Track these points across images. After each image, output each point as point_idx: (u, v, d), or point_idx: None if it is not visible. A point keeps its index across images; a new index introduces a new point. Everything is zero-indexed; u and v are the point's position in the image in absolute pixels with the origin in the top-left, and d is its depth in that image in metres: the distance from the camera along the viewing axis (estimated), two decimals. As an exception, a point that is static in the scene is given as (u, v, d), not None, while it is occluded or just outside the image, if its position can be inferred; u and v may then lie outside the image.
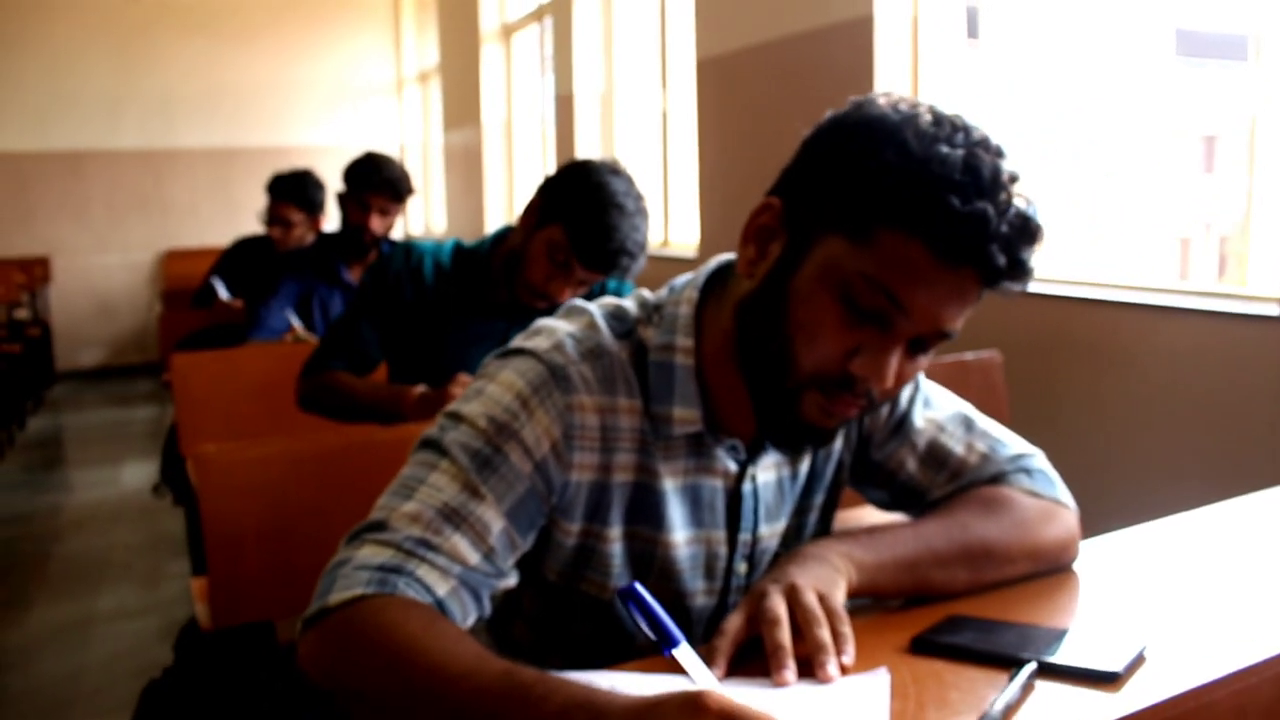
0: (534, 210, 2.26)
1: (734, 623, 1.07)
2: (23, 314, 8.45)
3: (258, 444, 1.92)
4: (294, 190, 4.43)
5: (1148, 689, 0.76)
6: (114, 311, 9.82)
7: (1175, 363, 2.87)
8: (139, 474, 6.10)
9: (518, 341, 1.21)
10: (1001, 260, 1.02)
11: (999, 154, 1.06)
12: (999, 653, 1.05)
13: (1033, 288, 3.32)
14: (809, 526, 1.36)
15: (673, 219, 5.69)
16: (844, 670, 1.02)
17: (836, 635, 1.04)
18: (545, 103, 7.43)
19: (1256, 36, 2.90)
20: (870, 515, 1.66)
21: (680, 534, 1.23)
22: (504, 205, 8.04)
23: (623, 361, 1.20)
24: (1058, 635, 1.09)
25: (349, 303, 2.51)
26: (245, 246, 4.81)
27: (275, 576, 1.80)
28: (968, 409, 1.39)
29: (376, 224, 3.65)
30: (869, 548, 1.19)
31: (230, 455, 1.80)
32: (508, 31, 7.87)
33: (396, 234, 3.81)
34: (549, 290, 2.21)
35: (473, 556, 1.07)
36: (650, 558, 1.23)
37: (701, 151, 4.99)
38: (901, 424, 1.35)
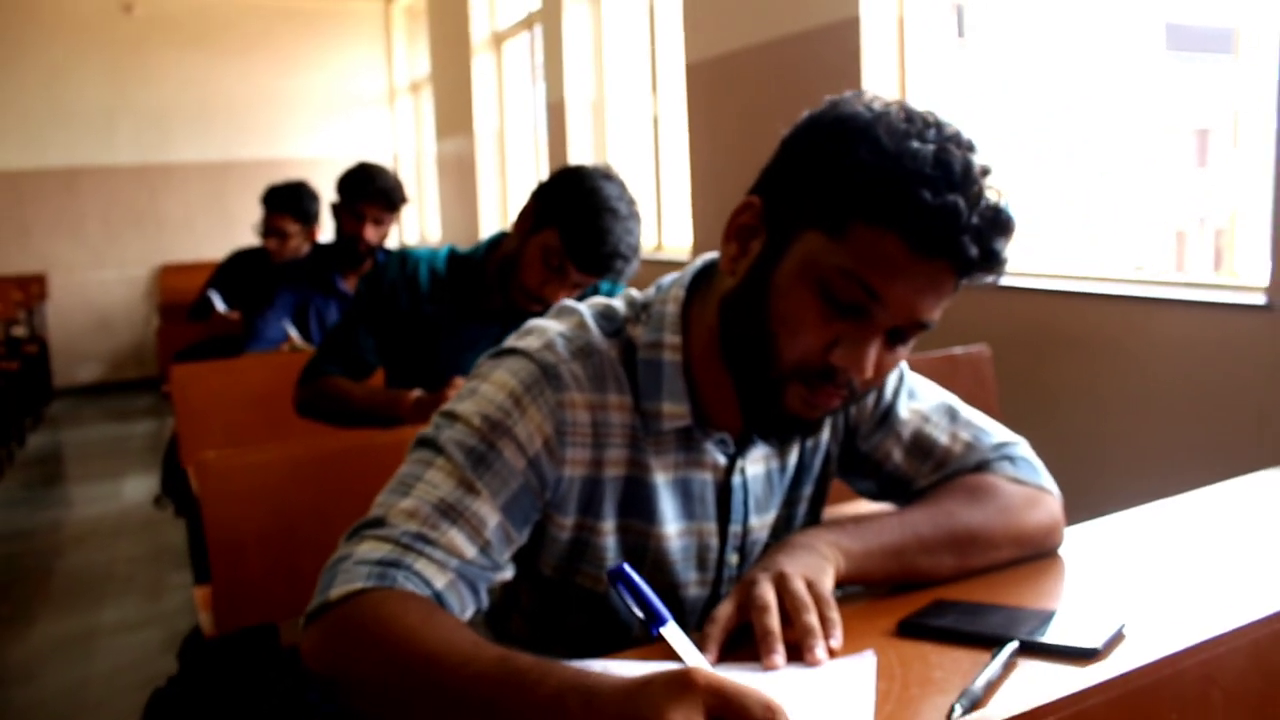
0: (528, 215, 2.29)
1: (725, 610, 1.10)
2: (20, 331, 8.46)
3: (258, 449, 1.95)
4: (289, 201, 4.45)
5: (1120, 659, 0.79)
6: (111, 327, 9.83)
7: (1163, 353, 2.90)
8: (139, 488, 6.11)
9: (510, 342, 1.24)
10: (974, 251, 1.06)
11: (970, 148, 1.09)
12: (983, 634, 1.08)
13: (1020, 282, 3.35)
14: (798, 517, 1.39)
15: (666, 223, 5.72)
16: (832, 654, 1.05)
17: (824, 620, 1.08)
18: (537, 110, 7.46)
19: (1239, 31, 2.94)
20: (860, 508, 1.69)
21: (672, 526, 1.26)
22: (497, 213, 8.07)
23: (612, 359, 1.23)
24: (1040, 616, 1.12)
25: (346, 310, 2.54)
26: (241, 259, 4.83)
27: (278, 579, 1.83)
28: (952, 399, 1.42)
29: (371, 233, 3.68)
30: (856, 536, 1.22)
31: (231, 461, 1.82)
32: (498, 40, 7.90)
33: (391, 243, 3.83)
34: (544, 294, 2.23)
35: (469, 550, 1.10)
36: (643, 550, 1.26)
37: (693, 155, 5.02)
38: (887, 415, 1.38)
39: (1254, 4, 2.89)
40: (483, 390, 1.18)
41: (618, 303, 1.30)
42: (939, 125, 1.10)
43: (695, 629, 1.10)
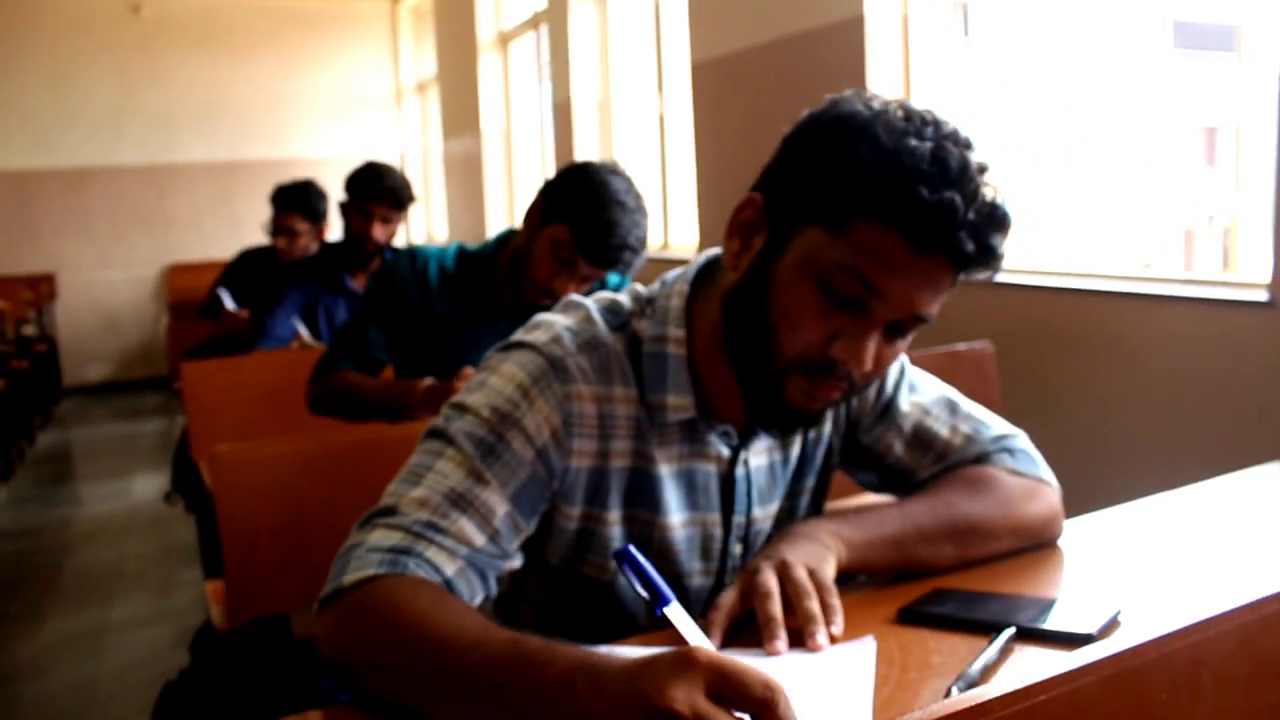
0: (537, 210, 2.32)
1: (728, 597, 1.13)
2: (30, 330, 8.49)
3: (270, 443, 1.98)
4: (298, 200, 4.48)
5: (1112, 641, 0.81)
6: (120, 326, 9.87)
7: (1165, 349, 2.92)
8: (149, 486, 6.15)
9: (518, 335, 1.27)
10: (970, 247, 1.08)
11: (967, 146, 1.12)
12: (981, 620, 1.11)
13: (1022, 279, 3.37)
14: (801, 509, 1.42)
15: (671, 221, 5.74)
16: (833, 640, 1.08)
17: (826, 607, 1.10)
18: (543, 109, 7.48)
19: (1241, 29, 2.95)
20: (865, 502, 1.71)
21: (676, 517, 1.29)
22: (504, 211, 8.09)
23: (618, 353, 1.26)
24: (1038, 604, 1.14)
25: (356, 308, 2.57)
26: (250, 258, 4.86)
27: (290, 571, 1.86)
28: (952, 393, 1.45)
29: (379, 232, 3.70)
30: (858, 526, 1.25)
31: (244, 454, 1.85)
32: (504, 40, 7.93)
33: (398, 242, 3.86)
34: (554, 287, 2.26)
35: (478, 538, 1.13)
36: (648, 540, 1.28)
37: (699, 154, 5.04)
38: (888, 409, 1.40)
39: (1257, 2, 2.91)
40: (492, 383, 1.21)
41: (623, 297, 1.32)
42: (937, 123, 1.12)
43: (700, 618, 1.12)
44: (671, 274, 1.32)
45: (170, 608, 4.29)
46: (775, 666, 1.03)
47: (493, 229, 7.87)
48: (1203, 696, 0.86)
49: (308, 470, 1.90)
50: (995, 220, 1.10)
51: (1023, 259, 3.53)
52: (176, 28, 9.68)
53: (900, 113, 1.12)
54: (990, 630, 1.06)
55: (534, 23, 7.36)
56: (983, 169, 1.11)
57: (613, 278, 2.43)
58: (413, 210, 3.86)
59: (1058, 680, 0.76)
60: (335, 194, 4.16)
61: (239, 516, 1.84)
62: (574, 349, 1.23)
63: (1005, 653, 1.03)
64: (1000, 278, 1.74)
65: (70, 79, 9.39)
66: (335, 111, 10.32)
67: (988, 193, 1.10)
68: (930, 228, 1.07)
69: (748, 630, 1.10)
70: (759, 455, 1.35)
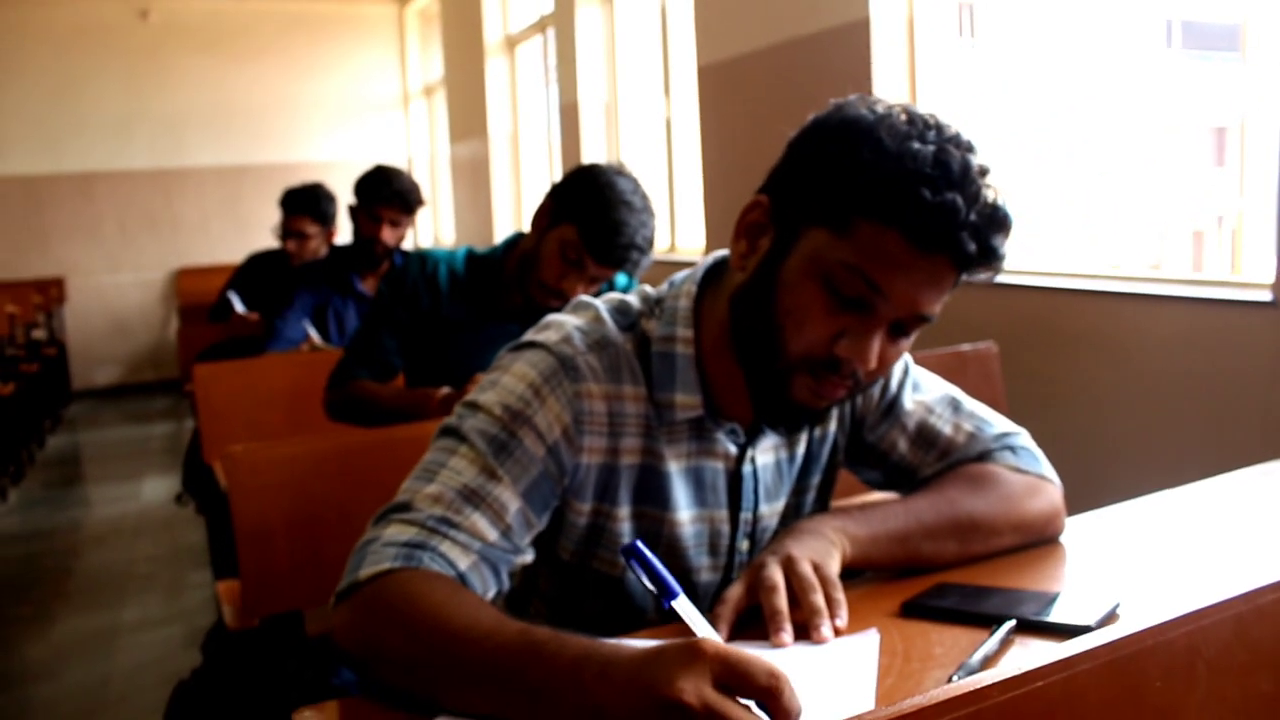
0: (545, 212, 2.34)
1: (735, 591, 1.15)
2: (39, 334, 8.53)
3: (283, 443, 2.01)
4: (308, 203, 4.52)
5: (1106, 630, 0.83)
6: (128, 330, 9.92)
7: (1171, 350, 2.93)
8: (158, 488, 6.18)
9: (529, 335, 1.29)
10: (972, 247, 1.11)
11: (969, 149, 1.14)
12: (982, 613, 1.13)
13: (1025, 279, 3.38)
14: (807, 506, 1.44)
15: (678, 223, 5.77)
16: (837, 633, 1.10)
17: (830, 601, 1.13)
18: (550, 113, 7.51)
19: (1245, 30, 2.96)
20: (870, 500, 1.73)
21: (685, 513, 1.32)
22: (512, 215, 8.12)
23: (627, 352, 1.28)
24: (1039, 598, 1.16)
25: (368, 314, 2.59)
26: (259, 261, 4.90)
27: (303, 568, 1.88)
28: (955, 391, 1.47)
29: (388, 235, 3.73)
30: (862, 522, 1.27)
31: (258, 454, 1.88)
32: (511, 44, 7.95)
33: (406, 245, 3.88)
34: (563, 288, 2.28)
35: (491, 533, 1.15)
36: (657, 536, 1.31)
37: (705, 156, 5.06)
38: (892, 407, 1.43)
39: (1259, 3, 2.92)
40: (504, 382, 1.23)
41: (632, 298, 1.35)
42: (939, 127, 1.15)
43: (708, 612, 1.15)
44: (679, 275, 1.34)
45: (181, 609, 4.32)
46: (781, 658, 1.05)
47: (500, 232, 7.90)
48: (1197, 684, 0.88)
49: (320, 469, 1.93)
50: (996, 221, 1.13)
51: (1027, 260, 3.55)
52: (184, 33, 9.72)
53: (903, 116, 1.15)
54: (991, 623, 1.08)
55: (541, 26, 7.39)
56: (984, 171, 1.14)
57: (621, 279, 2.45)
58: (420, 213, 3.88)
59: (1054, 667, 0.79)
60: (343, 198, 4.19)
61: (253, 515, 1.86)
62: (584, 348, 1.25)
63: (1006, 644, 1.05)
64: (1005, 279, 1.76)
65: (79, 84, 9.44)
66: (342, 115, 10.36)
67: (989, 194, 1.13)
68: (932, 228, 1.09)
69: (754, 624, 1.13)
70: (766, 453, 1.37)
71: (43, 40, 9.32)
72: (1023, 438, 1.45)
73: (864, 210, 1.11)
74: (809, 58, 4.08)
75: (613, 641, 0.94)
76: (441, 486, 1.16)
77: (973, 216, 1.10)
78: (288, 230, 4.55)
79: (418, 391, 2.43)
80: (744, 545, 1.37)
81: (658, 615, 1.28)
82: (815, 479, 1.44)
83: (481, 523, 1.15)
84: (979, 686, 0.76)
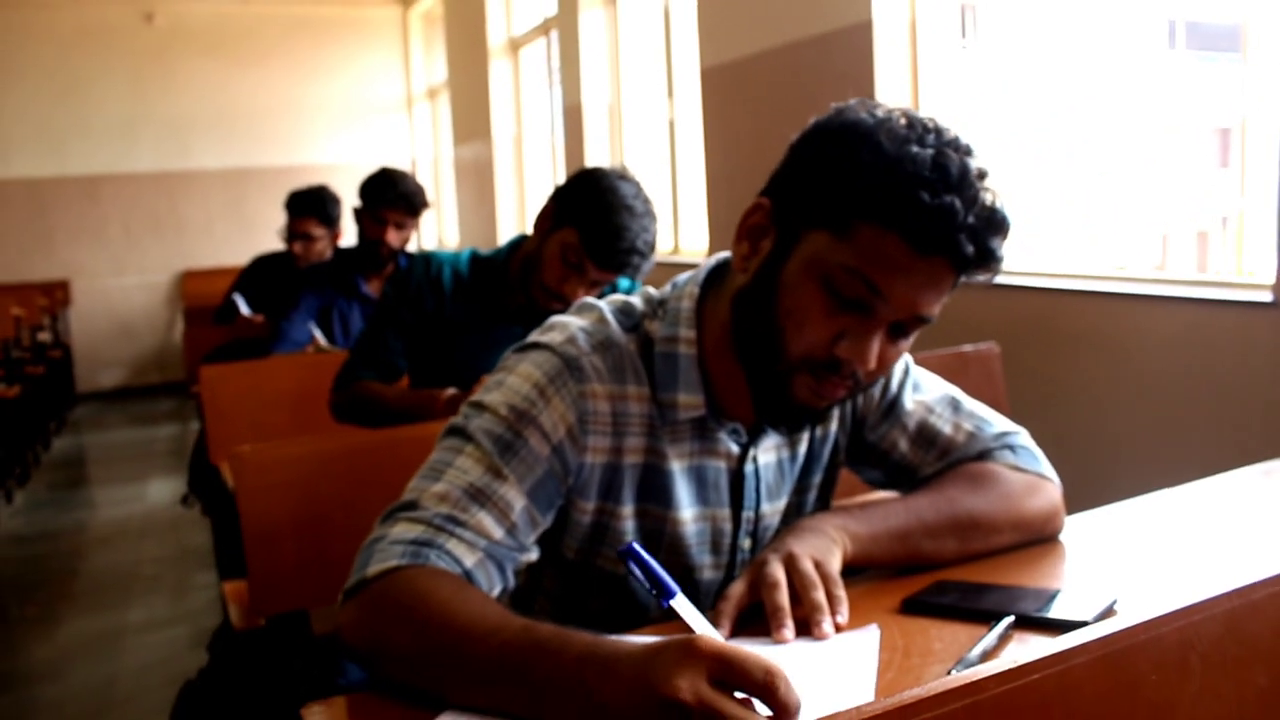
0: (547, 215, 2.36)
1: (737, 589, 1.17)
2: (45, 336, 8.55)
3: (290, 443, 2.02)
4: (313, 205, 4.54)
5: (1101, 624, 0.85)
6: (133, 332, 9.94)
7: (1171, 350, 2.94)
8: (164, 490, 6.20)
9: (534, 336, 1.31)
10: (970, 249, 1.12)
11: (968, 153, 1.16)
12: (982, 610, 1.14)
13: (1027, 280, 3.39)
14: (808, 504, 1.46)
15: (682, 225, 5.78)
16: (838, 629, 1.12)
17: (831, 598, 1.14)
18: (554, 115, 7.52)
19: (1245, 30, 2.97)
20: (871, 499, 1.75)
21: (687, 512, 1.33)
22: (515, 217, 8.13)
23: (631, 353, 1.30)
24: (1037, 594, 1.18)
25: (373, 315, 2.61)
26: (264, 263, 4.91)
27: (310, 568, 1.90)
28: (955, 391, 1.49)
29: (393, 238, 3.75)
30: (862, 520, 1.28)
31: (265, 454, 1.89)
32: (515, 46, 7.97)
33: (410, 247, 3.90)
34: (564, 291, 2.29)
35: (497, 532, 1.17)
36: (660, 534, 1.32)
37: (708, 158, 5.07)
38: (893, 407, 1.44)
39: (1260, 3, 2.92)
40: (509, 382, 1.25)
41: (635, 299, 1.37)
42: (938, 131, 1.17)
43: (710, 610, 1.16)
44: (682, 277, 1.36)
45: (187, 609, 4.33)
46: (782, 654, 1.07)
47: (504, 234, 7.92)
48: (1190, 678, 0.90)
49: (327, 469, 1.94)
50: (994, 224, 1.14)
51: (1029, 260, 3.56)
52: (189, 36, 9.75)
53: (903, 120, 1.16)
54: (990, 619, 1.10)
55: (544, 29, 7.40)
56: (982, 174, 1.15)
57: (623, 282, 2.46)
58: (424, 216, 3.90)
59: (1049, 660, 0.80)
60: (347, 200, 4.21)
61: (260, 515, 1.88)
62: (588, 349, 1.27)
63: (1005, 639, 1.07)
64: (1006, 279, 1.77)
65: (84, 87, 9.47)
66: (347, 118, 10.38)
67: (987, 197, 1.14)
68: (931, 231, 1.11)
69: (756, 621, 1.14)
70: (768, 452, 1.39)
71: (48, 43, 9.35)
72: (1022, 437, 1.47)
73: (863, 213, 1.13)
74: (812, 60, 4.09)
75: (615, 639, 0.96)
76: (448, 485, 1.17)
77: (971, 219, 1.12)
78: (293, 232, 4.57)
79: (423, 392, 2.44)
80: (746, 544, 1.39)
81: (660, 613, 1.30)
82: (816, 478, 1.46)
83: (487, 521, 1.16)
84: (976, 679, 0.77)
